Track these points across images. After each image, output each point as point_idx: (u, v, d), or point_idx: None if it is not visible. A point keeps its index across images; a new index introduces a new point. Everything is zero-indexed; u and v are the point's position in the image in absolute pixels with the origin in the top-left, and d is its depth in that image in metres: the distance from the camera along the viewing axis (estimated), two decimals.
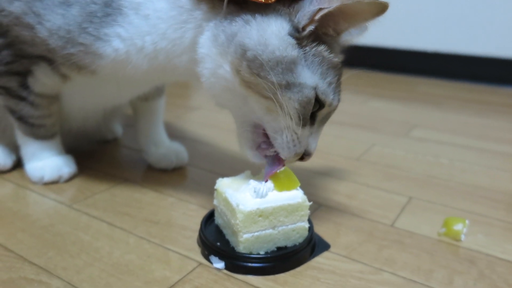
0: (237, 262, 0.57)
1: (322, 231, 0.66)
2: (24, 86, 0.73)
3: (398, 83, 1.80)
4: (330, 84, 0.57)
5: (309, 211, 0.60)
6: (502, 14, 1.74)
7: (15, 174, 0.83)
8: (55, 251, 0.60)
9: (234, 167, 0.90)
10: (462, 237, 0.65)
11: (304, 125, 0.57)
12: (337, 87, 0.59)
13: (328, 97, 0.57)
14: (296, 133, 0.57)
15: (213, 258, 0.58)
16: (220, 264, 0.57)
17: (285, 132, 0.57)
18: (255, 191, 0.57)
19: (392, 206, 0.76)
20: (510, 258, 0.62)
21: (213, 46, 0.57)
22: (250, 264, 0.57)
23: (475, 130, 1.21)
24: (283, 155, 0.59)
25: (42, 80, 0.72)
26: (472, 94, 1.65)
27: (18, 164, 0.84)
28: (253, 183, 0.59)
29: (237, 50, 0.54)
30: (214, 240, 0.60)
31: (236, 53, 0.54)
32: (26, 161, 0.80)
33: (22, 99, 0.74)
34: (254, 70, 0.54)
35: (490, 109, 1.45)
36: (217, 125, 1.17)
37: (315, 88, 0.55)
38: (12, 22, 0.65)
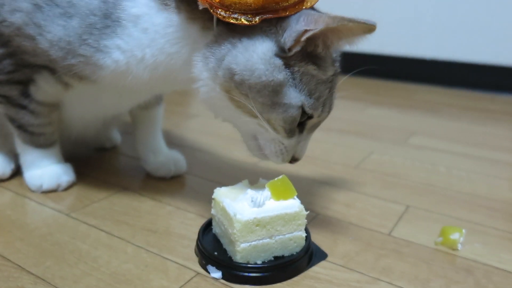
0: (234, 272, 0.57)
1: (320, 240, 0.67)
2: (25, 94, 0.73)
3: (396, 91, 1.81)
4: (318, 98, 0.58)
5: (306, 220, 0.60)
6: (500, 22, 1.75)
7: (14, 182, 0.83)
8: (53, 260, 0.60)
9: (232, 175, 0.90)
10: (459, 246, 0.65)
11: (291, 136, 0.60)
12: (328, 99, 0.60)
13: (316, 110, 0.59)
14: (283, 144, 0.61)
15: (210, 267, 0.58)
16: (217, 274, 0.57)
17: (273, 143, 0.61)
18: (252, 201, 0.58)
19: (390, 214, 0.76)
20: (507, 267, 0.62)
21: (205, 69, 0.59)
22: (247, 274, 0.57)
23: (473, 138, 1.21)
24: (273, 161, 0.64)
25: (44, 88, 0.73)
26: (470, 102, 1.65)
27: (17, 172, 0.85)
28: (250, 192, 0.59)
29: (225, 74, 0.56)
30: (212, 249, 0.61)
31: (225, 76, 0.56)
32: (25, 169, 0.80)
33: (23, 107, 0.74)
34: (243, 92, 0.56)
35: (488, 116, 1.45)
36: (216, 133, 1.17)
37: (301, 107, 0.57)
38: (14, 32, 0.66)
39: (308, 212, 0.60)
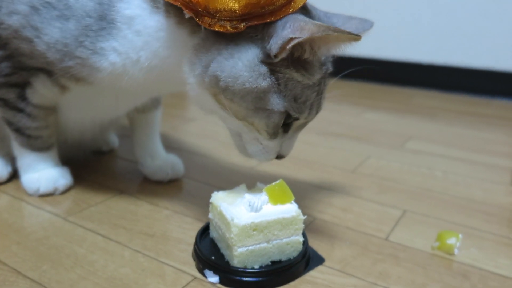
0: (231, 276, 0.57)
1: (317, 244, 0.67)
2: (22, 97, 0.73)
3: (393, 95, 1.82)
4: (305, 102, 0.59)
5: (303, 225, 0.60)
6: (497, 27, 1.76)
7: (11, 186, 0.83)
8: (49, 264, 0.60)
9: (230, 179, 0.91)
10: (456, 251, 0.66)
11: (274, 138, 0.61)
12: (316, 101, 0.60)
13: (303, 113, 0.59)
14: (261, 144, 0.62)
15: (207, 272, 0.58)
16: (214, 278, 0.57)
17: (255, 142, 0.62)
18: (249, 205, 0.58)
19: (387, 219, 0.76)
20: (503, 272, 0.62)
21: (192, 75, 0.59)
22: (244, 279, 0.57)
23: (469, 143, 1.22)
24: (256, 159, 0.65)
25: (41, 91, 0.73)
26: (466, 106, 1.66)
27: (14, 176, 0.85)
28: (248, 196, 0.59)
29: (211, 80, 0.56)
30: (209, 253, 0.61)
31: (211, 82, 0.57)
32: (22, 172, 0.80)
33: (20, 110, 0.74)
34: (228, 97, 0.56)
35: (484, 121, 1.46)
36: (213, 136, 1.17)
37: (284, 112, 0.58)
38: (11, 35, 0.66)
39: (305, 216, 0.60)
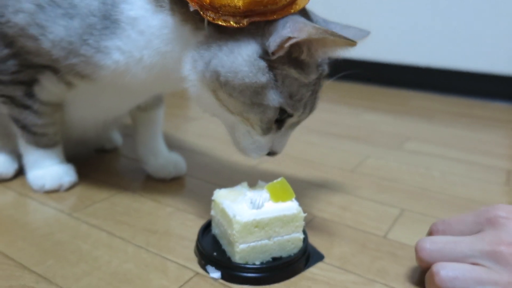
0: (233, 272, 0.58)
1: (316, 241, 0.68)
2: (29, 94, 0.74)
3: (392, 97, 1.83)
4: (300, 100, 0.60)
5: (304, 222, 0.61)
6: (493, 31, 1.78)
7: (16, 182, 0.84)
8: (54, 260, 0.61)
9: (231, 178, 0.92)
10: None
11: (266, 134, 0.63)
12: (310, 101, 0.62)
13: (297, 110, 0.61)
14: (253, 138, 0.63)
15: (209, 268, 0.59)
16: (216, 274, 0.59)
17: (247, 136, 0.63)
18: (251, 202, 0.59)
19: (385, 218, 0.77)
20: None
21: (193, 72, 0.61)
22: (246, 274, 0.58)
23: (466, 144, 1.23)
24: (249, 155, 0.66)
25: (49, 88, 0.74)
26: (463, 108, 1.68)
27: (20, 172, 0.86)
28: (249, 194, 0.60)
29: (212, 76, 0.58)
30: (211, 250, 0.62)
31: (212, 78, 0.58)
32: (28, 169, 0.81)
33: (27, 107, 0.75)
34: (227, 91, 0.58)
35: (480, 123, 1.48)
36: (215, 136, 1.18)
37: (278, 108, 0.59)
38: (17, 33, 0.67)
39: (305, 214, 0.61)
